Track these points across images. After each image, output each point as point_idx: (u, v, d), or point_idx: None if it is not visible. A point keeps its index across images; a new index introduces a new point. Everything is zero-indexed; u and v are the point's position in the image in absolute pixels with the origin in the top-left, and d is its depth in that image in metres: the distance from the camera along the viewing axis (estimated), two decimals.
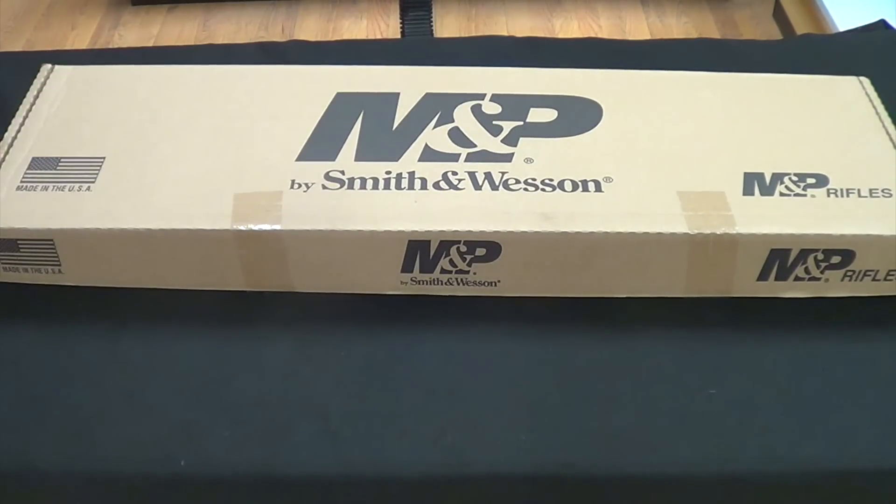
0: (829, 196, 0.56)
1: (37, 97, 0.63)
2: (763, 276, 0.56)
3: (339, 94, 0.63)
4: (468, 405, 0.52)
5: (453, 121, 0.61)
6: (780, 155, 0.59)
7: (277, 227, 0.54)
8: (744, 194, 0.56)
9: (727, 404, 0.52)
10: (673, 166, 0.58)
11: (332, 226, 0.54)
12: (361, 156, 0.58)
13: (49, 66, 0.66)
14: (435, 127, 0.60)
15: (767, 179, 0.57)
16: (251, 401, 0.52)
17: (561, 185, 0.56)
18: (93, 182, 0.56)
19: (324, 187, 0.56)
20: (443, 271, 0.55)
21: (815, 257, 0.55)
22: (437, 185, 0.56)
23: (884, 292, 0.57)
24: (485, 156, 0.58)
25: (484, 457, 0.50)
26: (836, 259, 0.55)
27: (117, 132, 0.60)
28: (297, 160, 0.58)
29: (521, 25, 1.59)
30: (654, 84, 0.66)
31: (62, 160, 0.58)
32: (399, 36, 1.33)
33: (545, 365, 0.54)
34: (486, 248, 0.54)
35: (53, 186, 0.56)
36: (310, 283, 0.57)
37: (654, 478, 0.50)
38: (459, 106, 0.62)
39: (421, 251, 0.54)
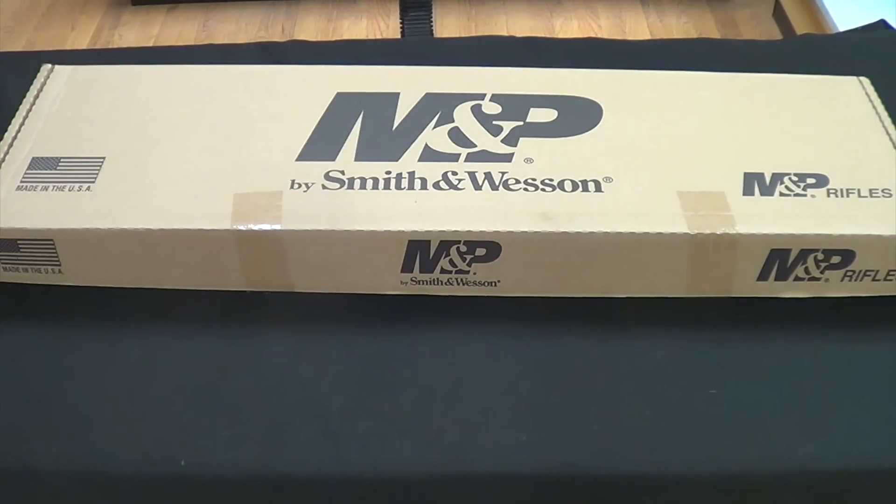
0: (829, 196, 0.56)
1: (37, 97, 0.63)
2: (763, 276, 0.56)
3: (339, 94, 0.63)
4: (468, 405, 0.52)
5: (453, 121, 0.61)
6: (780, 155, 0.59)
7: (277, 227, 0.54)
8: (744, 194, 0.56)
9: (727, 404, 0.52)
10: (673, 166, 0.58)
11: (332, 226, 0.54)
12: (361, 156, 0.58)
13: (49, 66, 0.66)
14: (435, 127, 0.60)
15: (767, 179, 0.57)
16: (251, 401, 0.52)
17: (561, 185, 0.56)
18: (93, 182, 0.56)
19: (324, 187, 0.56)
20: (443, 271, 0.55)
21: (815, 257, 0.55)
22: (437, 185, 0.56)
23: (884, 292, 0.57)
24: (485, 156, 0.58)
25: (484, 457, 0.50)
26: (836, 259, 0.55)
27: (117, 132, 0.60)
28: (297, 160, 0.58)
29: (521, 25, 1.59)
30: (654, 84, 0.66)
31: (62, 160, 0.58)
32: (399, 36, 1.33)
33: (545, 365, 0.54)
34: (486, 248, 0.54)
35: (53, 186, 0.56)
36: (310, 283, 0.57)
37: (654, 478, 0.50)
38: (459, 106, 0.62)
39: (421, 251, 0.54)
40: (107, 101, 0.63)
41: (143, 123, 0.61)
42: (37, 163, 0.58)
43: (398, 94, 0.63)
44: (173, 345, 0.55)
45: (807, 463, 0.50)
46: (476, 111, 0.62)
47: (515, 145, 0.59)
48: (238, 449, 0.50)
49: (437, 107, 0.62)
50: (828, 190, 0.57)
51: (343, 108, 0.62)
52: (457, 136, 0.60)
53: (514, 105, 0.62)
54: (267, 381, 0.53)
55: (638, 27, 1.58)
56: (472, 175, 0.57)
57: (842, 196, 0.56)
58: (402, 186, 0.56)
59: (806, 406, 0.52)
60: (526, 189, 0.56)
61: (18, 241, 0.55)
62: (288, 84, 0.66)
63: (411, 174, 0.57)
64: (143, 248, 0.55)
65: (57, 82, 0.64)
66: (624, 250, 0.54)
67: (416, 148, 0.59)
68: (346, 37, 1.55)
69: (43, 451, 0.50)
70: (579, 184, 0.56)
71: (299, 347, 0.55)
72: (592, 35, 1.53)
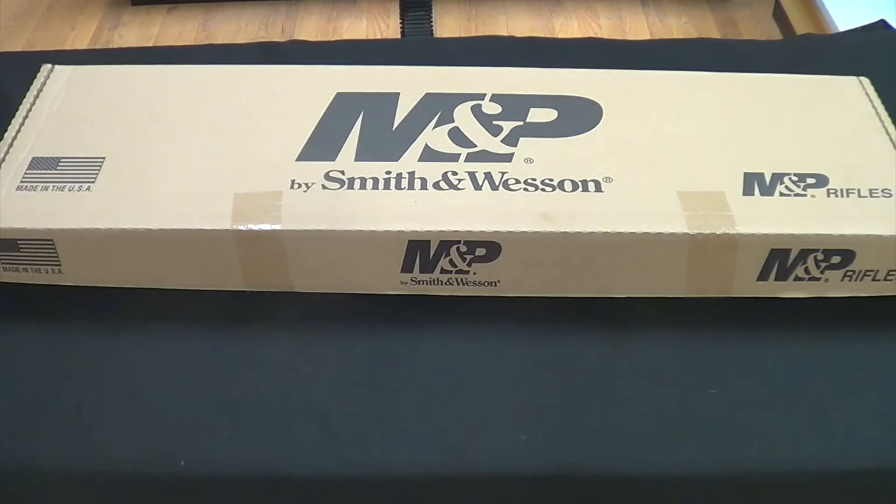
0: (829, 196, 0.56)
1: (37, 97, 0.63)
2: (763, 276, 0.56)
3: (339, 94, 0.63)
4: (468, 405, 0.52)
5: (453, 121, 0.61)
6: (780, 155, 0.59)
7: (277, 227, 0.54)
8: (744, 194, 0.56)
9: (727, 404, 0.52)
10: (673, 166, 0.58)
11: (332, 226, 0.54)
12: (361, 156, 0.58)
13: (49, 66, 0.66)
14: (435, 127, 0.60)
15: (767, 179, 0.57)
16: (251, 401, 0.52)
17: (561, 185, 0.56)
18: (93, 182, 0.56)
19: (324, 187, 0.56)
20: (443, 271, 0.55)
21: (815, 257, 0.55)
22: (437, 185, 0.56)
23: (884, 292, 0.57)
24: (485, 156, 0.58)
25: (484, 457, 0.50)
26: (836, 259, 0.55)
27: (117, 132, 0.60)
28: (297, 160, 0.58)
29: (521, 25, 1.59)
30: (654, 84, 0.66)
31: (62, 160, 0.58)
32: (399, 36, 1.33)
33: (545, 365, 0.54)
34: (486, 248, 0.54)
35: (53, 186, 0.56)
36: (310, 283, 0.57)
37: (654, 478, 0.50)
38: (459, 106, 0.62)
39: (421, 251, 0.54)
40: (107, 101, 0.63)
41: (143, 123, 0.61)
42: (37, 163, 0.58)
43: (398, 94, 0.63)
44: (173, 345, 0.55)
45: (807, 463, 0.50)
46: (476, 111, 0.62)
47: (515, 145, 0.59)
48: (238, 449, 0.50)
49: (437, 107, 0.62)
50: (828, 190, 0.57)
51: (343, 108, 0.62)
52: (457, 136, 0.60)
53: (514, 105, 0.62)
54: (267, 381, 0.53)
55: (638, 27, 1.58)
56: (472, 175, 0.57)
57: (842, 196, 0.56)
58: (402, 186, 0.56)
59: (806, 406, 0.52)
60: (526, 189, 0.56)
61: (18, 241, 0.55)
62: (288, 84, 0.66)
63: (411, 174, 0.57)
64: (143, 248, 0.55)
65: (57, 82, 0.64)
66: (624, 250, 0.54)
67: (416, 148, 0.59)
68: (346, 37, 1.55)
69: (43, 451, 0.50)
70: (579, 184, 0.56)
71: (299, 347, 0.55)
72: (592, 35, 1.53)
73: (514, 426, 0.51)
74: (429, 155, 0.58)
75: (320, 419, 0.51)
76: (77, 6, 1.64)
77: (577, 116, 0.62)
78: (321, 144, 0.59)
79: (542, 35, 1.36)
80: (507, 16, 1.61)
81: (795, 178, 0.57)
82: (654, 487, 0.51)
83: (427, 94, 0.63)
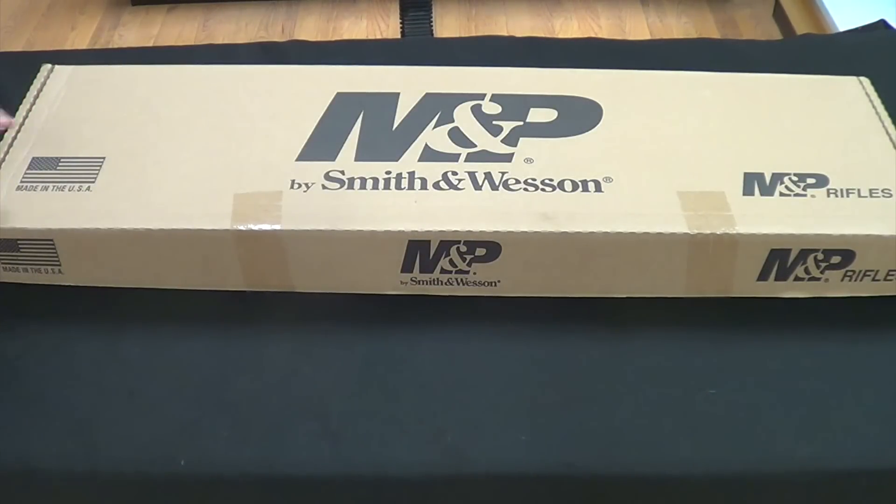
0: (829, 196, 0.56)
1: (37, 97, 0.63)
2: (763, 276, 0.56)
3: (339, 94, 0.63)
4: (468, 405, 0.52)
5: (453, 121, 0.61)
6: (780, 155, 0.59)
7: (277, 227, 0.54)
8: (744, 194, 0.56)
9: (727, 404, 0.52)
10: (673, 166, 0.58)
11: (332, 226, 0.54)
12: (361, 156, 0.58)
13: (49, 66, 0.66)
14: (435, 127, 0.60)
15: (767, 179, 0.57)
16: (251, 401, 0.52)
17: (561, 185, 0.56)
18: (93, 182, 0.56)
19: (324, 187, 0.56)
20: (443, 271, 0.55)
21: (815, 257, 0.55)
22: (437, 185, 0.56)
23: (884, 292, 0.57)
24: (485, 156, 0.58)
25: (484, 457, 0.50)
26: (835, 259, 0.55)
27: (117, 132, 0.60)
28: (297, 160, 0.58)
29: (521, 25, 1.59)
30: (654, 84, 0.66)
31: (62, 160, 0.58)
32: (399, 36, 1.33)
33: (545, 365, 0.54)
34: (486, 248, 0.54)
35: (53, 186, 0.56)
36: (310, 283, 0.57)
37: (654, 478, 0.50)
38: (459, 106, 0.62)
39: (421, 251, 0.54)
40: (107, 101, 0.63)
41: (143, 123, 0.61)
42: (37, 163, 0.58)
43: (398, 94, 0.63)
44: (174, 345, 0.55)
45: (807, 463, 0.50)
46: (476, 111, 0.62)
47: (515, 145, 0.59)
48: (238, 449, 0.50)
49: (437, 107, 0.62)
50: (828, 190, 0.57)
51: (343, 108, 0.62)
52: (457, 136, 0.60)
53: (514, 105, 0.62)
54: (267, 380, 0.53)
55: (638, 27, 1.58)
56: (472, 175, 0.57)
57: (842, 196, 0.56)
58: (402, 186, 0.56)
59: (806, 406, 0.52)
60: (526, 189, 0.56)
61: (18, 241, 0.55)
62: (288, 84, 0.66)
63: (411, 174, 0.57)
64: (143, 248, 0.55)
65: (57, 82, 0.64)
66: (624, 250, 0.54)
67: (416, 148, 0.59)
68: (346, 37, 1.55)
69: (43, 451, 0.50)
70: (579, 184, 0.56)
71: (299, 347, 0.55)
72: (592, 35, 1.53)
73: (514, 426, 0.51)
74: (429, 155, 0.58)
75: (320, 419, 0.51)
76: (77, 6, 1.64)
77: (577, 116, 0.62)
78: (321, 144, 0.59)
79: (542, 35, 1.36)
80: (507, 16, 1.61)
81: (795, 178, 0.57)
82: (654, 487, 0.51)
83: (427, 94, 0.63)
